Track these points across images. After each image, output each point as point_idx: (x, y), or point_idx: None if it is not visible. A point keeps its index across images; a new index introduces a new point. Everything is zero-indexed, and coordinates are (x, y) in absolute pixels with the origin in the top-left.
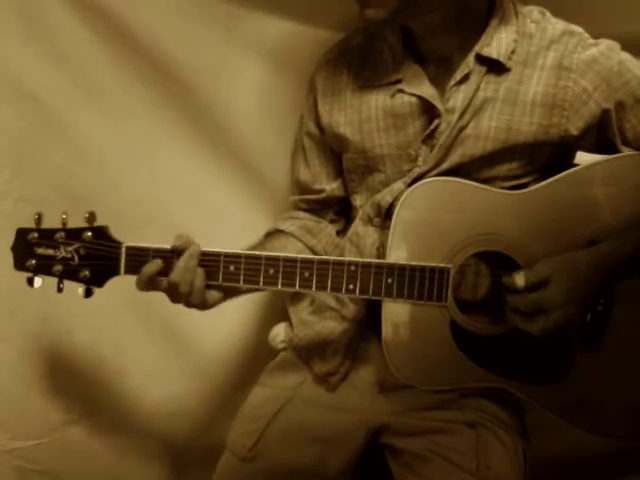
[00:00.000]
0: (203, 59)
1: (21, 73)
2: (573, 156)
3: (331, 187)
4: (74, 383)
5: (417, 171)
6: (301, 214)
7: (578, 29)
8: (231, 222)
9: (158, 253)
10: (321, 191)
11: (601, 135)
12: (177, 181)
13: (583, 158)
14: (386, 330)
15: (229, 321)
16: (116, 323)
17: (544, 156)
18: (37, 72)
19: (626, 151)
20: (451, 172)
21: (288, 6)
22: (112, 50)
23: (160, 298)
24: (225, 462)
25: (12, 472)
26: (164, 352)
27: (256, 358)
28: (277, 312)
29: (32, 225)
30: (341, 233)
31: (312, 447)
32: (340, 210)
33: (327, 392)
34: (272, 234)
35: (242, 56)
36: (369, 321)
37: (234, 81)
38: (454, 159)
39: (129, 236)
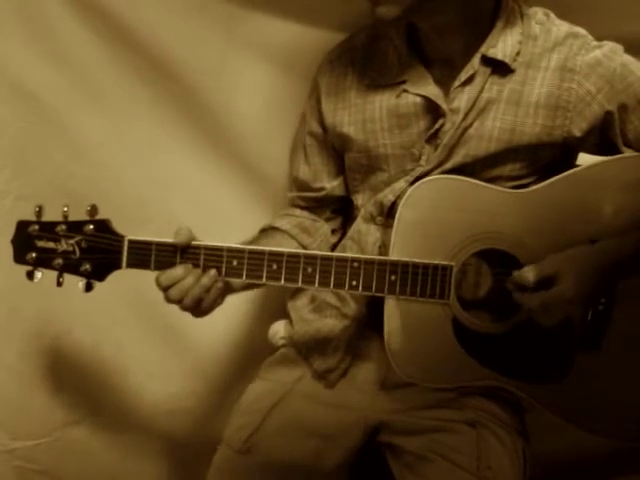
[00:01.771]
0: (203, 59)
1: (21, 73)
2: (575, 157)
3: (331, 185)
4: (74, 383)
5: (420, 170)
6: (297, 212)
7: (582, 31)
8: (231, 221)
9: (160, 247)
10: (321, 189)
11: (603, 136)
12: (177, 181)
13: (585, 159)
14: (388, 327)
15: (228, 319)
16: (116, 322)
17: (547, 157)
18: (37, 72)
19: (628, 152)
20: (454, 172)
21: (289, 6)
22: (112, 50)
23: (160, 297)
24: (221, 455)
25: (12, 472)
26: (164, 350)
27: (255, 355)
28: (276, 309)
29: (38, 204)
30: (336, 232)
31: (308, 441)
32: (337, 209)
33: (326, 388)
34: (267, 231)
35: (242, 56)
36: (370, 319)
37: (234, 81)
38: (457, 159)
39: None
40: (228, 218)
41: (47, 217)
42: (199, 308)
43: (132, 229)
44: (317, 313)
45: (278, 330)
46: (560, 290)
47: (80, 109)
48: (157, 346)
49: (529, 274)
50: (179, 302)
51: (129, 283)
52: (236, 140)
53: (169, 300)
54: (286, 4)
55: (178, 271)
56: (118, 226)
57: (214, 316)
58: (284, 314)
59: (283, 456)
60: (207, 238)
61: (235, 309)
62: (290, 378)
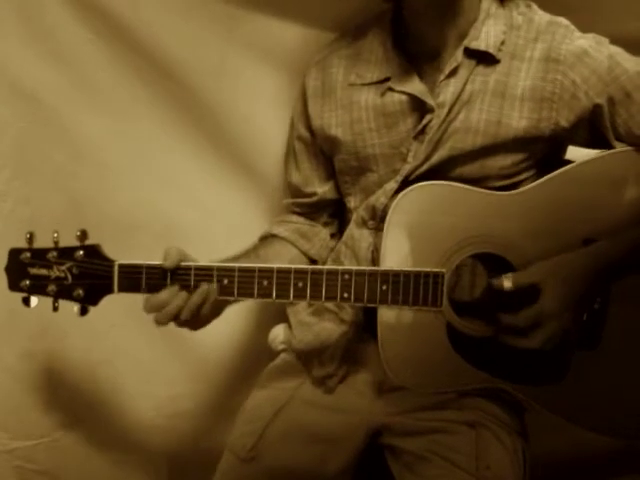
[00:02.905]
0: (203, 59)
1: (21, 73)
2: (564, 152)
3: (323, 190)
4: (74, 383)
5: (407, 168)
6: (294, 218)
7: (565, 21)
8: (231, 221)
9: (151, 270)
10: (313, 194)
11: (594, 130)
12: (177, 180)
13: (576, 154)
14: (382, 334)
15: (228, 323)
16: (115, 325)
17: (537, 153)
18: (37, 72)
19: (619, 146)
20: (442, 166)
21: (289, 7)
22: (112, 50)
23: None
24: (225, 463)
25: (12, 472)
26: (164, 353)
27: (255, 360)
28: (275, 314)
29: (30, 231)
30: (335, 236)
31: (312, 447)
32: (333, 213)
33: (325, 394)
34: (266, 238)
35: (242, 56)
36: (367, 324)
37: (234, 81)
38: (443, 153)
39: (129, 236)
40: (228, 218)
41: (46, 219)
42: (194, 324)
43: (132, 229)
44: (316, 317)
45: (278, 334)
46: (542, 306)
47: (80, 109)
48: (157, 349)
49: (506, 281)
50: (174, 320)
51: None
52: (236, 141)
53: (158, 323)
54: (286, 4)
55: (162, 296)
56: (118, 226)
57: (214, 320)
58: (284, 318)
59: (287, 463)
60: (205, 238)
61: (235, 313)
62: (291, 384)
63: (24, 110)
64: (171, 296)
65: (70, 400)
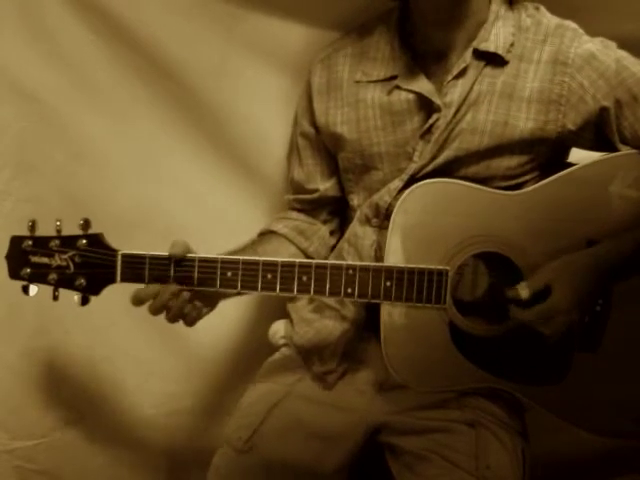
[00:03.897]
0: (203, 59)
1: (21, 73)
2: (568, 154)
3: (325, 186)
4: (74, 383)
5: (413, 167)
6: (294, 214)
7: (573, 24)
8: (231, 222)
9: (154, 260)
10: (315, 190)
11: (599, 133)
12: (177, 180)
13: (580, 156)
14: (385, 332)
15: (227, 320)
16: (115, 322)
17: (542, 155)
18: (37, 72)
19: (624, 149)
20: (447, 166)
21: (289, 5)
22: (112, 50)
23: None
24: (221, 454)
25: (12, 472)
26: (163, 350)
27: (254, 357)
28: (276, 309)
29: (31, 219)
30: (334, 233)
31: (309, 443)
32: (333, 210)
33: (325, 390)
34: (264, 235)
35: (243, 56)
36: (369, 322)
37: (235, 81)
38: (450, 153)
39: (129, 235)
40: (227, 218)
41: (46, 219)
42: (186, 320)
43: (132, 229)
44: (317, 313)
45: (278, 329)
46: (554, 302)
47: (80, 109)
48: (156, 346)
49: (523, 291)
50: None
51: (126, 284)
52: (236, 140)
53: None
54: (286, 3)
55: (149, 290)
56: (118, 226)
57: (214, 316)
58: (282, 315)
59: (283, 457)
60: (206, 238)
61: (235, 309)
62: (290, 379)
63: (24, 110)
64: (154, 292)
65: (70, 399)
